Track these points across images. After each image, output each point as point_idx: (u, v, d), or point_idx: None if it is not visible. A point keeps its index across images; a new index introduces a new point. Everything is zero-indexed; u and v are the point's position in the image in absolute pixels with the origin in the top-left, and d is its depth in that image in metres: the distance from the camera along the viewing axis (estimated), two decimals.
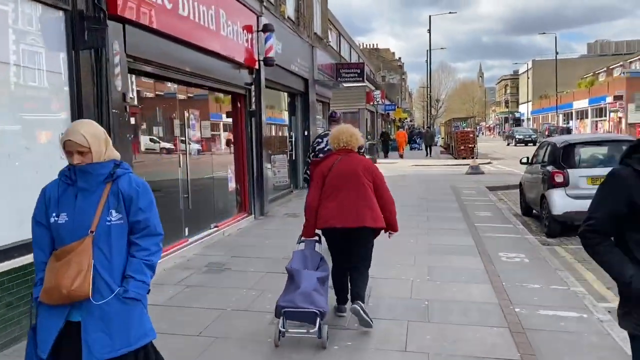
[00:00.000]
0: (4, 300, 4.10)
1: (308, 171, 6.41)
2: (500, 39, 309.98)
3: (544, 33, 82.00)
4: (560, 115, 58.74)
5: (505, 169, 21.41)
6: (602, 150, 9.03)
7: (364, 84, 23.17)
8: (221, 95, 9.19)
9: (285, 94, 13.23)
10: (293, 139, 13.72)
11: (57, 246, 2.44)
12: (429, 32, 43.71)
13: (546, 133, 44.09)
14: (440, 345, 4.16)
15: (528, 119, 76.98)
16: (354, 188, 4.40)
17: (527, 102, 78.61)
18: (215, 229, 8.22)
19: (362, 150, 5.97)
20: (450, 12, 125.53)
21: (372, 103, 31.09)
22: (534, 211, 10.19)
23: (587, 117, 52.60)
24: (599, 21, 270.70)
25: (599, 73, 62.36)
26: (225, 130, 9.46)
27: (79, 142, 2.40)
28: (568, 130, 46.41)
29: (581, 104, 53.36)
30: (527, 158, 10.77)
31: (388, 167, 22.50)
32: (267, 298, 5.22)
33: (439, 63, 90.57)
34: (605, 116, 47.22)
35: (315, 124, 14.97)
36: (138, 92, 6.55)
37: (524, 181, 10.81)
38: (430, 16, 44.10)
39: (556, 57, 58.32)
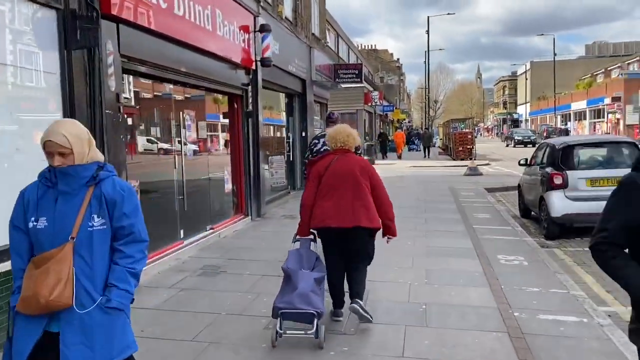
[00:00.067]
0: None
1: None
2: (498, 40, 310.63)
3: (542, 34, 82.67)
4: (559, 117, 58.78)
5: (503, 171, 21.36)
6: (601, 152, 8.97)
7: (362, 85, 23.09)
8: (217, 95, 9.11)
9: (283, 94, 13.16)
10: (290, 140, 13.65)
11: (36, 252, 2.32)
12: (427, 33, 43.67)
13: (544, 134, 44.08)
14: (438, 350, 4.08)
15: (526, 120, 77.02)
16: (350, 188, 4.38)
17: (525, 103, 78.68)
18: (211, 230, 8.14)
19: (359, 152, 5.91)
20: (448, 14, 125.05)
21: (370, 104, 31.03)
22: (532, 213, 10.12)
23: (585, 119, 52.64)
24: (596, 23, 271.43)
25: (597, 74, 62.44)
26: (221, 131, 9.38)
27: (60, 142, 2.29)
28: (566, 132, 46.42)
29: (579, 105, 53.40)
30: (526, 159, 10.70)
31: (386, 168, 22.45)
32: (262, 302, 5.14)
33: (438, 64, 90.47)
34: (603, 117, 47.27)
35: (312, 125, 14.91)
36: (133, 92, 6.48)
37: (522, 183, 10.74)
38: (428, 17, 44.03)
39: (554, 58, 58.37)
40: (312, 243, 4.60)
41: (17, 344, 2.29)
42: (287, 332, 4.10)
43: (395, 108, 49.45)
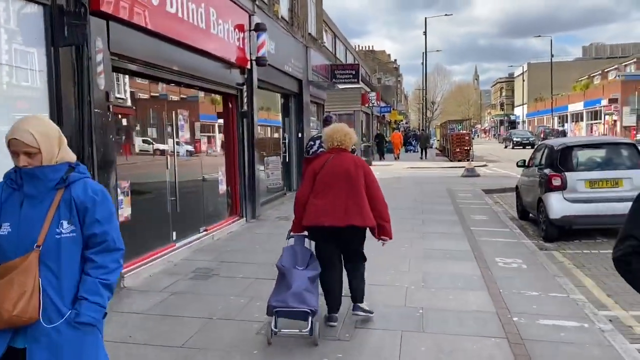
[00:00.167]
0: None
1: None
2: (495, 41, 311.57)
3: (540, 36, 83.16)
4: (556, 118, 58.84)
5: (501, 172, 21.28)
6: (600, 153, 8.87)
7: (359, 86, 23.01)
8: (211, 95, 8.97)
9: (279, 95, 13.02)
10: (287, 141, 13.52)
11: None
12: (425, 35, 43.64)
13: (541, 136, 44.05)
14: (435, 356, 3.96)
15: (523, 122, 77.12)
16: (345, 187, 4.38)
17: (523, 104, 78.75)
18: (205, 232, 7.99)
19: (354, 152, 5.80)
20: (446, 14, 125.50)
21: (367, 105, 30.98)
22: (530, 215, 10.01)
23: (582, 120, 52.72)
24: (593, 25, 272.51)
25: (594, 76, 62.55)
26: (216, 132, 9.25)
27: (27, 141, 2.08)
28: (563, 133, 46.44)
29: (576, 106, 53.47)
30: (524, 161, 10.60)
31: (383, 169, 22.35)
32: (255, 306, 5.01)
33: (435, 65, 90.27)
34: (600, 119, 47.34)
35: (309, 125, 14.78)
36: (124, 91, 6.35)
37: (520, 184, 10.64)
38: (426, 18, 44.01)
39: (552, 60, 58.39)
40: (306, 239, 4.58)
41: None
42: (282, 330, 4.12)
43: (393, 109, 49.41)
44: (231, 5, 8.82)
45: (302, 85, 14.00)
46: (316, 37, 17.40)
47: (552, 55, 58.03)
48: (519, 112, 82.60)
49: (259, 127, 10.48)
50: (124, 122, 6.43)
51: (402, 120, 61.00)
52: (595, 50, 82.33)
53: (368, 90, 31.64)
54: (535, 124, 67.06)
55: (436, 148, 41.50)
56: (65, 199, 2.14)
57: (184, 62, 7.17)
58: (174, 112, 7.37)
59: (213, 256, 7.08)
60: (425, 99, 52.42)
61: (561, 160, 8.46)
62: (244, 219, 9.60)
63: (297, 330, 4.12)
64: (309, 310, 4.03)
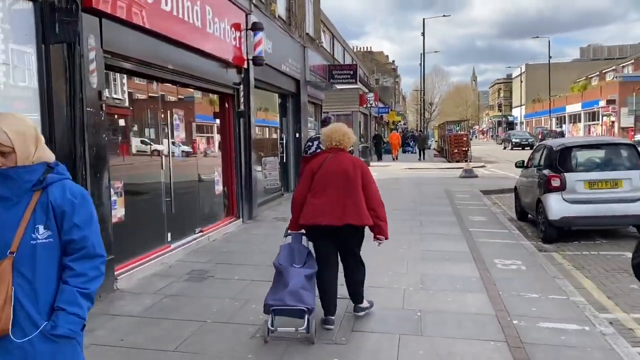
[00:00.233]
0: None
1: None
2: (493, 43, 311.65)
3: (537, 37, 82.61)
4: (554, 119, 58.86)
5: (499, 173, 21.22)
6: (599, 154, 8.80)
7: (357, 86, 22.95)
8: (208, 95, 8.88)
9: (276, 94, 12.93)
10: (284, 141, 13.43)
11: None
12: (423, 36, 43.69)
13: (539, 137, 44.04)
14: None
15: (521, 123, 77.16)
16: (342, 186, 4.37)
17: (521, 105, 78.81)
18: (200, 234, 7.90)
19: (352, 152, 5.73)
20: (444, 15, 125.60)
21: (365, 105, 30.91)
22: (529, 216, 9.94)
23: (580, 121, 52.74)
24: (591, 26, 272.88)
25: (591, 77, 62.62)
26: (212, 132, 9.15)
27: (0, 140, 1.96)
28: (561, 134, 46.44)
29: (574, 107, 53.49)
30: (523, 161, 10.53)
31: (381, 170, 22.27)
32: (250, 309, 4.92)
33: (433, 67, 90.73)
34: (598, 120, 47.36)
35: (307, 125, 14.70)
36: (120, 90, 6.25)
37: (519, 185, 10.57)
38: (424, 19, 44.22)
39: (549, 61, 58.38)
40: (304, 238, 4.55)
41: None
42: (279, 329, 4.15)
43: (391, 110, 49.37)
44: (227, 3, 8.73)
45: (299, 85, 13.92)
46: (314, 37, 17.32)
47: (550, 57, 58.05)
48: (517, 113, 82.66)
49: (256, 127, 10.39)
50: (119, 121, 6.33)
51: (400, 121, 60.90)
52: (593, 52, 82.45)
53: (366, 91, 31.59)
54: (533, 125, 67.09)
55: (434, 149, 41.47)
56: (42, 202, 2.01)
57: (179, 61, 7.08)
58: (169, 111, 7.27)
59: (208, 258, 6.99)
60: (423, 99, 52.38)
61: (560, 160, 8.39)
62: (241, 219, 9.51)
63: (294, 329, 4.13)
64: (305, 308, 4.06)
